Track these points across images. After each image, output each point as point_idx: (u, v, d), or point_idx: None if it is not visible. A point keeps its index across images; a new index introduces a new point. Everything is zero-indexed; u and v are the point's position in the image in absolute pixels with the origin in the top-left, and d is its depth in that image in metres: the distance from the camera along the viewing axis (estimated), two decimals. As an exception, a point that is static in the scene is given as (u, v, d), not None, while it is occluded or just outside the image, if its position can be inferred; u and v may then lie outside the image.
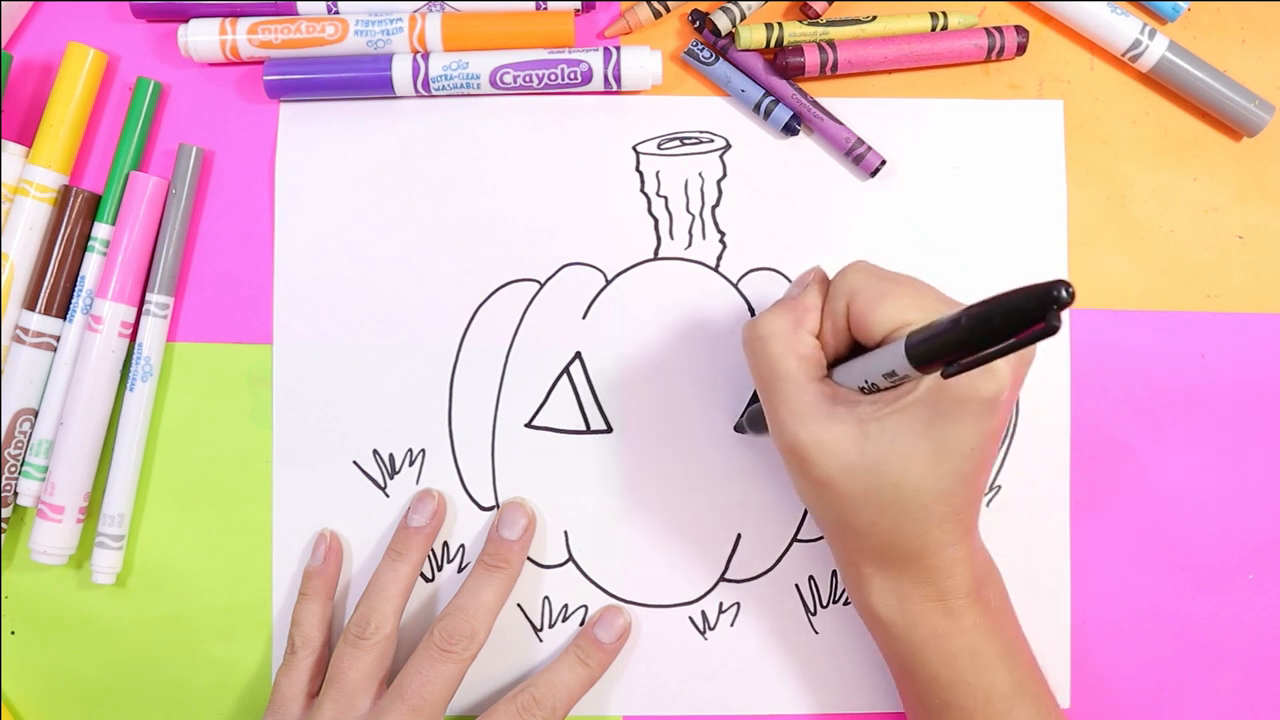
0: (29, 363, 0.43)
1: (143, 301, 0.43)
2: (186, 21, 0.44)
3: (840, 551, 0.38)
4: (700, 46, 0.44)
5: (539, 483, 0.44)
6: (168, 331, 0.44)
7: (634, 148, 0.44)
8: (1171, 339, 0.44)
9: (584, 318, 0.44)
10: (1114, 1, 0.44)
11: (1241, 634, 0.44)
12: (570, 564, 0.44)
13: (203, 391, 0.44)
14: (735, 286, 0.44)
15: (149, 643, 0.44)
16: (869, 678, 0.44)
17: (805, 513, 0.44)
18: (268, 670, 0.44)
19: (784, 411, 0.35)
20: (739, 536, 0.44)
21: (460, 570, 0.44)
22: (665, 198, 0.44)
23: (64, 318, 0.43)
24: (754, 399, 0.44)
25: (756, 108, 0.44)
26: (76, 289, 0.43)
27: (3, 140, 0.43)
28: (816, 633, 0.44)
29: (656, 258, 0.44)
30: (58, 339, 0.43)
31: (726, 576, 0.44)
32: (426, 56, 0.43)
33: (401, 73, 0.43)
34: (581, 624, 0.44)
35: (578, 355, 0.44)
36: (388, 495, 0.44)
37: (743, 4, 0.43)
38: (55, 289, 0.43)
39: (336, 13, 0.44)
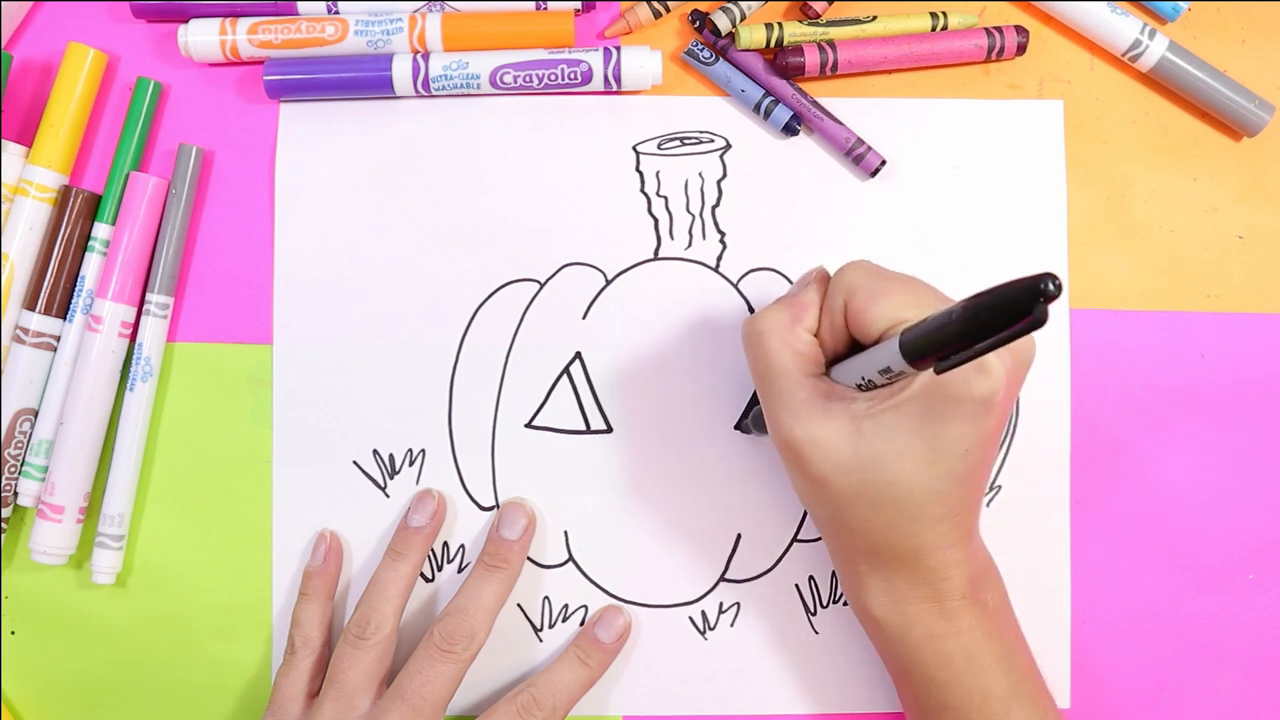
0: (29, 363, 0.43)
1: (143, 301, 0.43)
2: (186, 21, 0.44)
3: (836, 550, 0.38)
4: (700, 46, 0.44)
5: (539, 483, 0.44)
6: (168, 331, 0.44)
7: (634, 148, 0.44)
8: (1171, 339, 0.44)
9: (584, 318, 0.44)
10: (1114, 1, 0.44)
11: (1241, 634, 0.44)
12: (570, 564, 0.44)
13: (203, 391, 0.44)
14: (735, 286, 0.44)
15: (149, 643, 0.44)
16: (869, 678, 0.44)
17: (805, 513, 0.44)
18: (268, 670, 0.44)
19: (779, 407, 0.35)
20: (739, 536, 0.44)
21: (460, 570, 0.44)
22: (665, 198, 0.44)
23: (64, 318, 0.43)
24: (753, 400, 0.44)
25: (756, 108, 0.44)
26: (76, 289, 0.43)
27: (3, 140, 0.43)
28: (816, 633, 0.44)
29: (656, 258, 0.44)
30: (58, 339, 0.43)
31: (726, 576, 0.44)
32: (426, 56, 0.43)
33: (401, 73, 0.43)
34: (581, 624, 0.44)
35: (578, 355, 0.44)
36: (388, 495, 0.44)
37: (743, 4, 0.43)
38: (55, 289, 0.43)
39: (336, 13, 0.44)
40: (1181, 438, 0.44)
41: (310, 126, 0.44)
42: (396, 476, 0.44)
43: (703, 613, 0.44)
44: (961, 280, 0.43)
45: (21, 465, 0.43)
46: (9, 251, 0.43)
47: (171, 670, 0.44)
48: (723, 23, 0.43)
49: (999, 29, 0.44)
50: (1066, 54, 0.45)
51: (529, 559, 0.44)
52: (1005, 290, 0.26)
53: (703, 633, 0.44)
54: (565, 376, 0.44)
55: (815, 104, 0.44)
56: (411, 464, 0.44)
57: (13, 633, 0.44)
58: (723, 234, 0.44)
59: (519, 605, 0.44)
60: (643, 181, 0.44)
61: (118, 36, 0.45)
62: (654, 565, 0.44)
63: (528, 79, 0.43)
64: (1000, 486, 0.44)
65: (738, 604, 0.44)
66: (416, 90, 0.43)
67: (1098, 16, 0.44)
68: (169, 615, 0.44)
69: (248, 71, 0.45)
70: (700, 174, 0.44)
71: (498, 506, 0.44)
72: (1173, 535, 0.44)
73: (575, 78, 0.43)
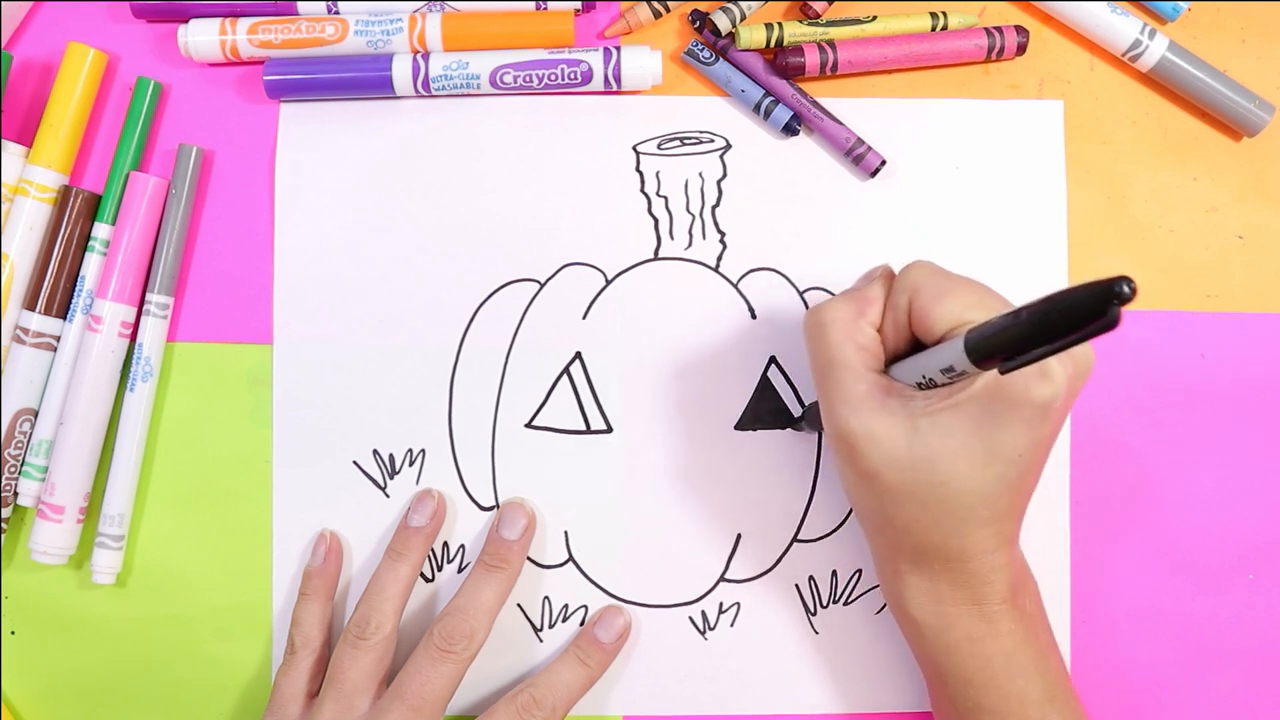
0: (29, 363, 0.43)
1: (143, 301, 0.43)
2: (186, 21, 0.44)
3: (879, 548, 0.38)
4: (700, 46, 0.44)
5: (539, 483, 0.44)
6: (168, 331, 0.44)
7: (634, 148, 0.44)
8: (1171, 339, 0.44)
9: (584, 318, 0.44)
10: (1114, 1, 0.44)
11: (1241, 634, 0.44)
12: (570, 564, 0.44)
13: (203, 391, 0.44)
14: (735, 286, 0.44)
15: (149, 643, 0.44)
16: (869, 678, 0.44)
17: (805, 513, 0.44)
18: (268, 670, 0.44)
19: (837, 399, 0.35)
20: (739, 536, 0.44)
21: (460, 570, 0.44)
22: (665, 198, 0.44)
23: (64, 318, 0.43)
24: (753, 400, 0.44)
25: (756, 108, 0.44)
26: (76, 289, 0.43)
27: (3, 140, 0.43)
28: (816, 633, 0.44)
29: (656, 258, 0.44)
30: (58, 339, 0.43)
31: (726, 576, 0.44)
32: (426, 56, 0.43)
33: (401, 73, 0.43)
34: (581, 624, 0.44)
35: (578, 355, 0.44)
36: (388, 495, 0.44)
37: (743, 4, 0.43)
38: (55, 289, 0.43)
39: (336, 13, 0.44)
40: (1181, 438, 0.44)
41: (310, 126, 0.44)
42: (396, 476, 0.44)
43: (703, 613, 0.44)
44: (961, 280, 0.44)
45: (21, 465, 0.43)
46: (9, 251, 0.43)
47: (171, 670, 0.44)
48: (723, 23, 0.43)
49: (999, 29, 0.44)
50: (1066, 54, 0.45)
51: (529, 559, 0.44)
52: (1078, 292, 0.27)
53: (703, 633, 0.44)
54: (565, 376, 0.44)
55: (815, 104, 0.44)
56: (411, 464, 0.44)
57: (13, 633, 0.44)
58: (723, 234, 0.44)
59: (519, 605, 0.44)
60: (643, 181, 0.44)
61: (118, 36, 0.45)
62: (654, 565, 0.44)
63: (528, 79, 0.43)
64: (1000, 486, 0.44)
65: (738, 604, 0.44)
66: (416, 90, 0.43)
67: (1098, 16, 0.44)
68: (169, 615, 0.44)
69: (248, 71, 0.45)
70: (700, 174, 0.44)
71: (498, 506, 0.44)
72: (1173, 535, 0.44)
73: (575, 78, 0.43)
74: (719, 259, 0.44)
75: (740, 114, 0.45)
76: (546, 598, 0.44)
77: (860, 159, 0.44)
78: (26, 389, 0.43)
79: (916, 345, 0.36)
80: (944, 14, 0.44)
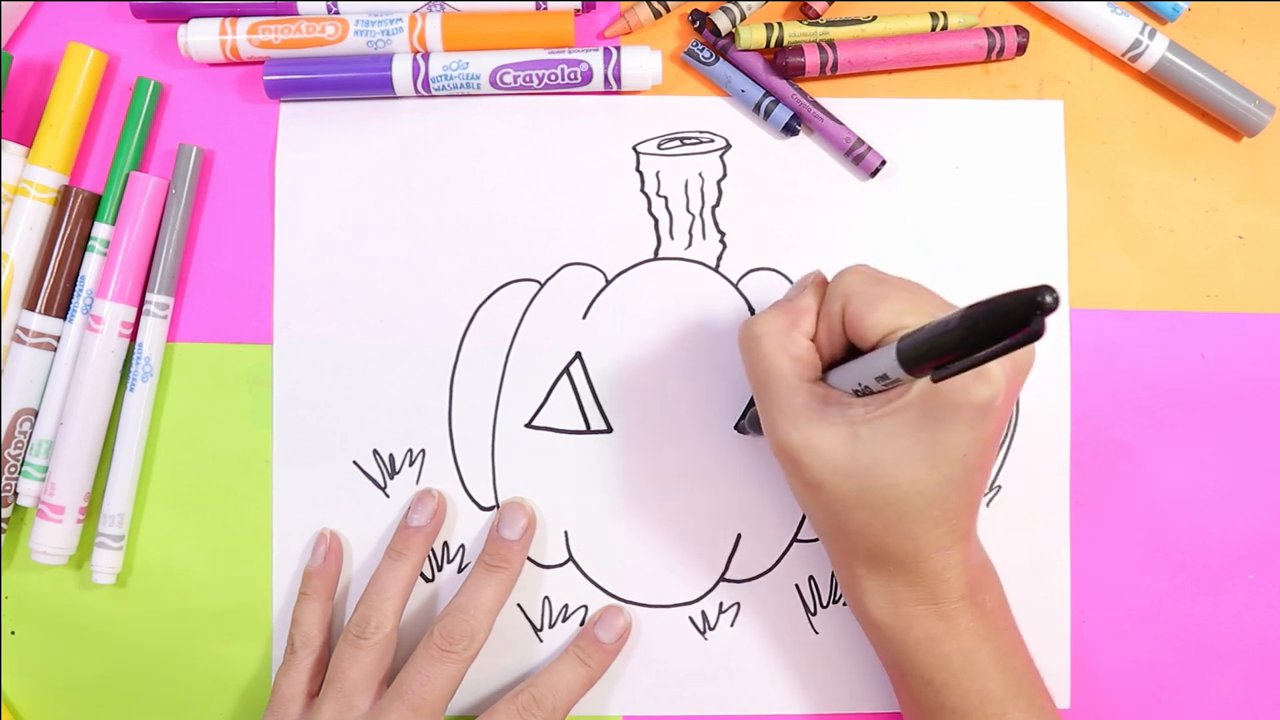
0: (29, 363, 0.43)
1: (143, 301, 0.43)
2: (186, 21, 0.44)
3: (835, 553, 0.38)
4: (700, 46, 0.44)
5: (539, 483, 0.44)
6: (168, 331, 0.44)
7: (634, 148, 0.44)
8: (1171, 339, 0.44)
9: (584, 318, 0.44)
10: (1114, 1, 0.44)
11: (1241, 634, 0.44)
12: (570, 564, 0.44)
13: (203, 391, 0.44)
14: (735, 286, 0.44)
15: (149, 643, 0.44)
16: (869, 678, 0.44)
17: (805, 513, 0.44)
18: (268, 670, 0.44)
19: (775, 412, 0.35)
20: (739, 536, 0.44)
21: (460, 570, 0.44)
22: (665, 198, 0.44)
23: (64, 318, 0.43)
24: (753, 400, 0.44)
25: (756, 108, 0.44)
26: (76, 289, 0.43)
27: (3, 140, 0.43)
28: (816, 633, 0.44)
29: (656, 258, 0.44)
30: (58, 339, 0.43)
31: (726, 576, 0.44)
32: (426, 56, 0.43)
33: (401, 73, 0.43)
34: (581, 624, 0.44)
35: (578, 355, 0.44)
36: (388, 495, 0.44)
37: (743, 4, 0.43)
38: (55, 289, 0.43)
39: (336, 13, 0.44)
40: (1181, 438, 0.44)
41: (310, 126, 0.44)
42: (396, 476, 0.44)
43: (703, 613, 0.44)
44: (962, 280, 0.44)
45: (21, 465, 0.43)
46: (9, 251, 0.43)
47: (171, 670, 0.44)
48: (723, 23, 0.43)
49: (999, 29, 0.44)
50: (1066, 54, 0.45)
51: (529, 559, 0.44)
52: (1002, 301, 0.26)
53: (703, 633, 0.44)
54: (565, 376, 0.44)
55: (815, 104, 0.44)
56: (411, 464, 0.44)
57: (13, 633, 0.44)
58: (723, 234, 0.44)
59: (519, 605, 0.44)
60: (643, 181, 0.44)
61: (118, 36, 0.45)
62: (654, 565, 0.44)
63: (528, 79, 0.43)
64: (1000, 486, 0.44)
65: (738, 604, 0.44)
66: (416, 90, 0.43)
67: (1098, 16, 0.44)
68: (169, 615, 0.44)
69: (248, 71, 0.45)
70: (700, 174, 0.44)
71: (498, 506, 0.44)
72: (1173, 535, 0.44)
73: (575, 78, 0.43)
74: (719, 259, 0.44)
75: (740, 114, 0.45)
76: (546, 598, 0.44)
77: (860, 159, 0.44)
78: (26, 389, 0.43)
79: (853, 351, 0.36)
80: (944, 14, 0.44)
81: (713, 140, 0.45)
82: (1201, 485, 0.44)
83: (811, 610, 0.44)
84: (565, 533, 0.44)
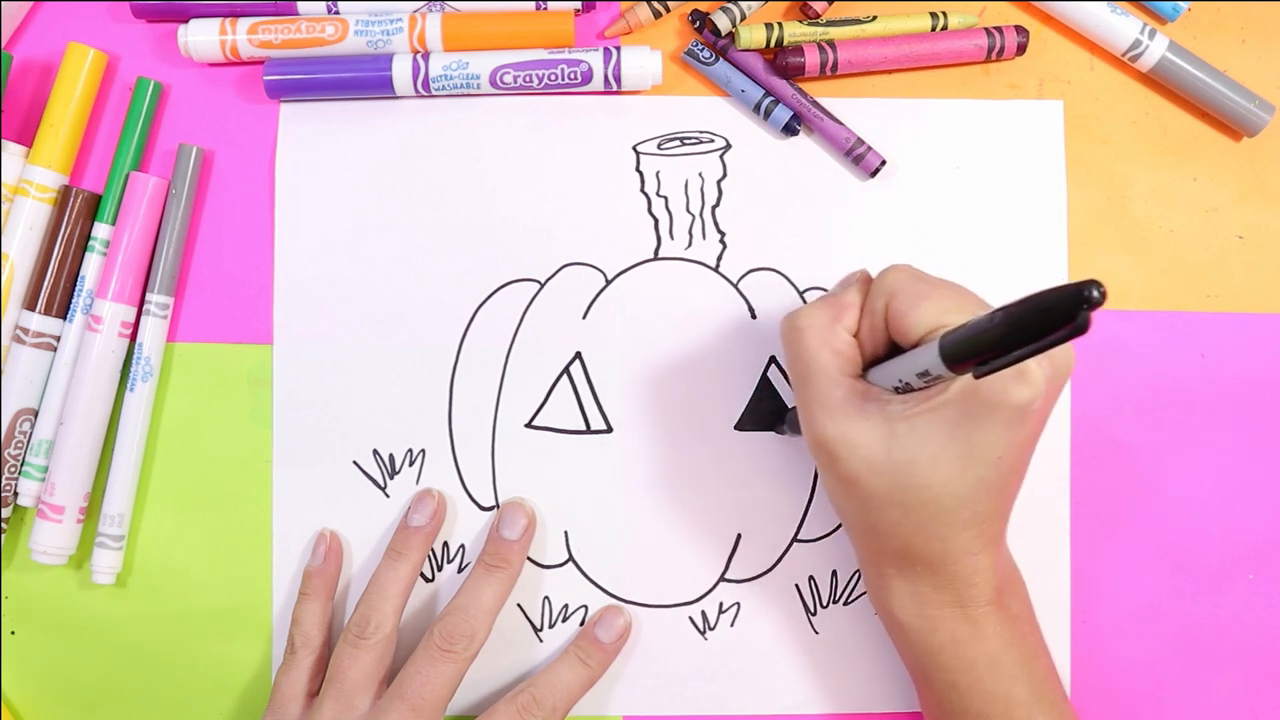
0: (29, 363, 0.43)
1: (143, 301, 0.43)
2: (186, 21, 0.44)
3: (863, 551, 0.38)
4: (700, 46, 0.44)
5: (539, 483, 0.44)
6: (168, 331, 0.44)
7: (634, 148, 0.44)
8: (1171, 339, 0.44)
9: (584, 318, 0.44)
10: (1114, 1, 0.44)
11: (1241, 634, 0.44)
12: (570, 564, 0.44)
13: (203, 391, 0.44)
14: (735, 286, 0.44)
15: (149, 643, 0.44)
16: (869, 678, 0.44)
17: (805, 513, 0.44)
18: (268, 670, 0.44)
19: (814, 405, 0.35)
20: (739, 536, 0.44)
21: (460, 570, 0.44)
22: (665, 198, 0.44)
23: (64, 318, 0.43)
24: (753, 400, 0.44)
25: (756, 108, 0.44)
26: (76, 289, 0.43)
27: (3, 140, 0.43)
28: (816, 633, 0.44)
29: (656, 258, 0.44)
30: (58, 339, 0.43)
31: (726, 576, 0.44)
32: (426, 56, 0.43)
33: (401, 73, 0.43)
34: (581, 624, 0.44)
35: (578, 355, 0.44)
36: (388, 495, 0.44)
37: (743, 4, 0.43)
38: (55, 289, 0.43)
39: (336, 13, 0.44)
40: (1181, 438, 0.44)
41: (310, 126, 0.44)
42: (396, 476, 0.44)
43: (703, 613, 0.44)
44: (962, 280, 0.43)
45: (21, 465, 0.43)
46: (9, 251, 0.43)
47: (171, 670, 0.44)
48: (723, 23, 0.43)
49: (999, 29, 0.44)
50: (1066, 54, 0.45)
51: (529, 559, 0.44)
52: (1047, 296, 0.26)
53: (703, 633, 0.44)
54: (565, 376, 0.44)
55: (815, 104, 0.44)
56: (411, 464, 0.44)
57: (13, 633, 0.44)
58: (723, 234, 0.44)
59: (519, 605, 0.44)
60: (643, 181, 0.44)
61: (118, 36, 0.45)
62: (654, 565, 0.44)
63: (528, 79, 0.43)
64: (1000, 486, 0.44)
65: (738, 604, 0.44)
66: (416, 90, 0.43)
67: (1098, 16, 0.44)
68: (169, 615, 0.44)
69: (248, 71, 0.45)
70: (700, 174, 0.44)
71: (498, 506, 0.44)
72: (1173, 535, 0.44)
73: (575, 78, 0.43)
74: (719, 259, 0.44)
75: (740, 114, 0.45)
76: (546, 598, 0.44)
77: (860, 159, 0.44)
78: (26, 389, 0.43)
79: (894, 349, 0.36)
80: (944, 14, 0.44)
81: (713, 140, 0.45)
82: (1201, 485, 0.44)
83: (812, 610, 0.44)
84: (565, 533, 0.44)
